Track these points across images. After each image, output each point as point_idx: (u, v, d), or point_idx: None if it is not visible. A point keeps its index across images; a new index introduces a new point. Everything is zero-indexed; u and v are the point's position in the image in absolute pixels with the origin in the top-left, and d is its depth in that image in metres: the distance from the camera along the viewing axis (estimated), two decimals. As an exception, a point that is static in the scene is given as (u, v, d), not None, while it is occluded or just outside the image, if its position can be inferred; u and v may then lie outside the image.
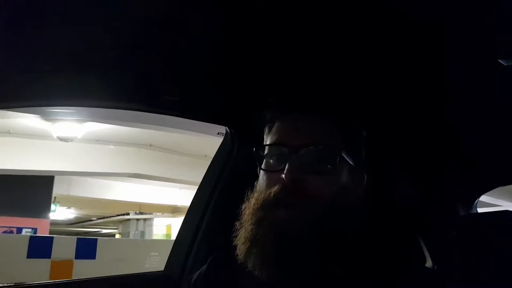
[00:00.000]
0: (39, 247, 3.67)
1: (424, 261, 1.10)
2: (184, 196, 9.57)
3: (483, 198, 1.53)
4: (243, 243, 0.72)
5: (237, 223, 0.75)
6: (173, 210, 11.95)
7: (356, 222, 0.72)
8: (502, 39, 0.84)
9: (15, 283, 1.09)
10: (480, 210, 1.50)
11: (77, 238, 4.08)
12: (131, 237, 12.76)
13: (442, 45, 0.86)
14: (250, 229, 0.71)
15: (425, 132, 1.21)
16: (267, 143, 0.78)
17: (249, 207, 0.74)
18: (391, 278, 0.70)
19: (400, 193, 1.21)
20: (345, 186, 0.74)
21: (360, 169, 0.78)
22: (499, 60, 0.86)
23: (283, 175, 0.70)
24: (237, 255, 0.73)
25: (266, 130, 0.81)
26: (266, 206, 0.71)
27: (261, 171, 0.77)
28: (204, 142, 4.94)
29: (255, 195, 0.75)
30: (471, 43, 0.85)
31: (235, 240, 0.74)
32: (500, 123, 1.14)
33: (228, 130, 1.22)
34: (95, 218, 14.39)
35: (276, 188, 0.70)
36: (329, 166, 0.72)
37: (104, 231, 16.90)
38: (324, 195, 0.70)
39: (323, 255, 0.68)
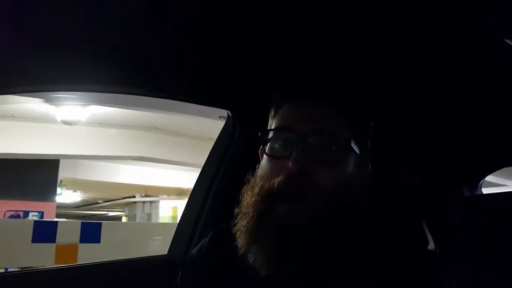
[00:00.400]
0: (44, 231, 3.70)
1: (427, 245, 1.09)
2: (190, 178, 9.59)
3: (489, 177, 1.52)
4: (243, 236, 0.69)
5: (237, 209, 0.73)
6: (179, 193, 12.03)
7: (361, 212, 0.70)
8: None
9: (20, 268, 1.10)
10: (485, 190, 1.49)
11: (82, 222, 4.11)
12: (137, 219, 12.88)
13: (445, 30, 0.84)
14: (252, 222, 0.69)
15: (428, 113, 1.20)
16: (273, 127, 0.75)
17: (251, 196, 0.71)
18: (393, 265, 0.69)
19: (403, 175, 1.21)
20: (351, 176, 0.71)
21: (365, 158, 0.76)
22: (506, 40, 0.85)
23: (290, 163, 0.67)
24: (237, 246, 0.70)
25: (272, 113, 0.78)
26: (269, 198, 0.68)
27: (265, 156, 0.74)
28: (209, 124, 4.91)
29: (259, 183, 0.71)
30: (471, 25, 0.83)
31: (234, 228, 0.72)
32: (507, 101, 1.13)
33: (230, 114, 1.21)
34: (101, 201, 14.52)
35: (281, 177, 0.67)
36: (337, 156, 0.70)
37: (110, 213, 17.07)
38: (331, 186, 0.67)
39: (326, 251, 0.66)
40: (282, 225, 0.65)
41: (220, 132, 1.26)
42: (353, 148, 0.71)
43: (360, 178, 0.73)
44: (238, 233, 0.71)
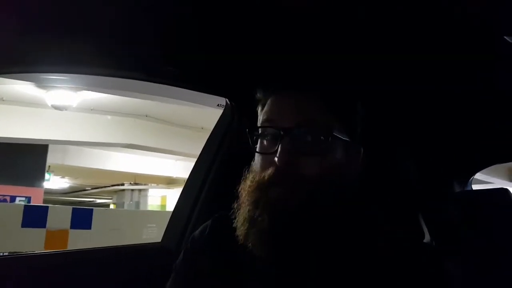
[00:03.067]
0: (34, 216, 3.68)
1: (423, 237, 1.10)
2: (180, 167, 9.59)
3: (477, 175, 1.54)
4: (241, 224, 0.72)
5: (235, 205, 0.76)
6: (168, 182, 12.00)
7: (351, 199, 0.73)
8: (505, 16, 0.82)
9: (9, 252, 1.08)
10: (474, 187, 1.51)
11: (73, 208, 4.08)
12: (125, 207, 12.84)
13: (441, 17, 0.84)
14: (247, 210, 0.72)
15: (422, 111, 1.21)
16: (260, 123, 0.78)
17: (244, 189, 0.75)
18: (389, 255, 0.70)
19: (399, 171, 1.21)
20: (340, 163, 0.74)
21: (355, 145, 0.77)
22: (505, 37, 0.85)
23: (276, 158, 0.70)
24: (237, 236, 0.73)
25: (259, 108, 0.80)
26: (261, 187, 0.71)
27: (256, 153, 0.77)
28: (201, 114, 4.91)
29: (250, 176, 0.75)
30: (472, 16, 0.83)
31: (234, 222, 0.75)
32: (497, 100, 1.14)
33: (228, 102, 1.20)
34: (89, 188, 14.44)
35: (270, 170, 0.71)
36: (321, 146, 0.72)
37: (98, 201, 17.00)
38: (318, 176, 0.70)
39: (319, 233, 0.68)
40: (274, 209, 0.69)
41: (218, 121, 1.25)
42: (338, 136, 0.73)
43: (349, 165, 0.76)
44: (237, 224, 0.74)
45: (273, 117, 0.75)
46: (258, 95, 0.81)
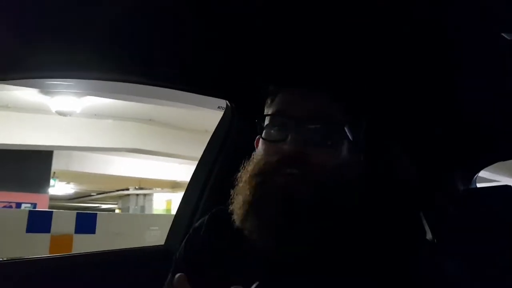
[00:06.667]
0: (39, 221, 3.71)
1: (425, 236, 1.10)
2: (184, 171, 9.59)
3: (482, 173, 1.53)
4: (240, 207, 0.71)
5: (232, 191, 0.74)
6: (173, 185, 12.01)
7: (356, 196, 0.72)
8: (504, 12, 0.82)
9: (12, 258, 1.09)
10: (478, 185, 1.50)
11: (77, 212, 4.12)
12: (131, 212, 12.86)
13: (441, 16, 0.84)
14: (247, 193, 0.71)
15: (425, 108, 1.20)
16: (270, 113, 0.77)
17: (246, 174, 0.73)
18: (391, 254, 0.69)
19: (400, 168, 1.21)
20: (345, 161, 0.73)
21: (358, 145, 0.77)
22: (502, 34, 0.84)
23: (285, 146, 0.69)
24: (234, 220, 0.72)
25: (268, 102, 0.79)
26: (266, 172, 0.70)
27: (261, 140, 0.76)
28: (205, 116, 4.91)
29: (254, 161, 0.74)
30: (472, 13, 0.83)
31: (230, 206, 0.73)
32: (501, 97, 1.13)
33: (229, 104, 1.20)
34: (94, 194, 14.48)
35: (276, 157, 0.70)
36: (332, 140, 0.71)
37: (104, 206, 17.03)
38: (325, 169, 0.69)
39: (322, 226, 0.67)
40: (279, 196, 0.67)
41: (219, 123, 1.26)
42: (346, 132, 0.73)
43: (353, 164, 0.74)
44: (234, 207, 0.73)
45: (285, 108, 0.74)
46: (269, 89, 0.79)
